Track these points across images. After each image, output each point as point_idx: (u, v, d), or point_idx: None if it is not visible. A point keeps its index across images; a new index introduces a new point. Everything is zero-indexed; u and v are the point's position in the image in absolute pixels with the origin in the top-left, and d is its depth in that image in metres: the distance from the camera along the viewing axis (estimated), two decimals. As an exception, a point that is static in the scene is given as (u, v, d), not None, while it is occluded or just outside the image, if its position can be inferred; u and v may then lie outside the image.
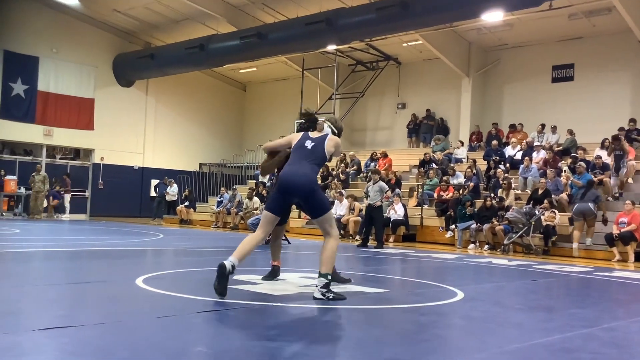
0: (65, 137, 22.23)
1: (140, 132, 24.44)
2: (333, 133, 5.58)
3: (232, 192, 19.85)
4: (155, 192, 23.14)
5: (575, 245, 12.52)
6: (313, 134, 5.48)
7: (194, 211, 21.34)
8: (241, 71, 25.85)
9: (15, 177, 20.54)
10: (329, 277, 5.10)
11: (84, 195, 23.08)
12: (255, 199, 18.29)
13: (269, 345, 3.47)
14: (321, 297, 5.00)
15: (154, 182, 23.83)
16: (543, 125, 17.89)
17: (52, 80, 21.72)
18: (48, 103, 21.64)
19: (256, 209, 17.52)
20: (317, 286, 5.10)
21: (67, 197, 21.39)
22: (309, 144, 5.36)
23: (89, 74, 22.71)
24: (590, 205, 12.54)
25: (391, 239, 14.68)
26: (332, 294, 5.04)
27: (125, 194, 23.55)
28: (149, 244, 11.51)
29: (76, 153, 23.94)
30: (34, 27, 21.16)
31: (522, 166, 15.75)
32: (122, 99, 23.63)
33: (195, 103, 26.10)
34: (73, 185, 21.80)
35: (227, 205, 19.37)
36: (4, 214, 20.18)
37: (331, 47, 19.75)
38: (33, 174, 19.61)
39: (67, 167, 22.85)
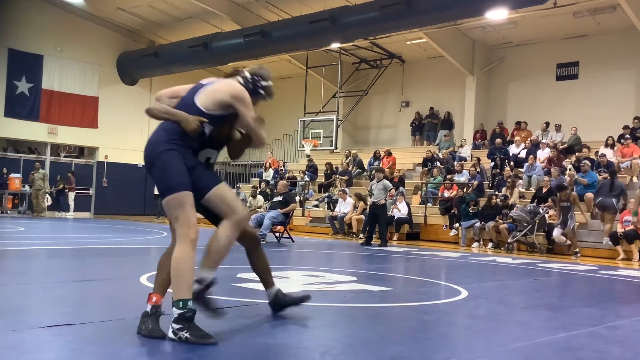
0: (70, 135, 22.27)
1: (144, 130, 24.39)
2: (248, 89, 3.74)
3: (235, 191, 19.85)
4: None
5: (605, 240, 12.29)
6: (208, 80, 3.75)
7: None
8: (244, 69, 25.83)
9: (19, 175, 20.61)
10: (186, 304, 3.28)
11: (88, 193, 23.12)
12: (259, 197, 18.27)
13: (272, 342, 3.47)
14: (173, 337, 3.28)
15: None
16: (547, 124, 17.85)
17: (56, 79, 21.76)
18: (52, 101, 21.68)
19: (260, 207, 17.50)
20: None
21: (72, 195, 21.43)
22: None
23: (93, 72, 22.75)
24: (614, 200, 12.53)
25: (395, 237, 14.67)
26: (190, 335, 3.25)
27: (129, 192, 23.57)
28: (153, 242, 11.54)
29: (80, 151, 23.97)
30: (39, 26, 21.20)
31: (526, 164, 15.72)
32: (126, 97, 23.65)
33: (199, 101, 26.08)
34: (77, 184, 21.84)
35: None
36: (9, 211, 20.24)
37: (335, 45, 19.73)
38: (32, 172, 19.71)
39: (71, 165, 22.89)
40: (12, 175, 20.32)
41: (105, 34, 23.09)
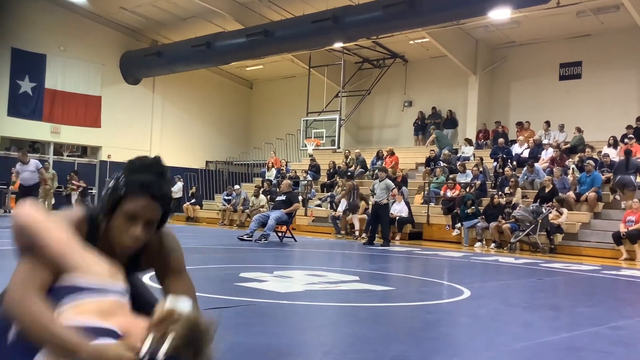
0: (73, 134, 22.30)
1: (147, 130, 24.50)
2: None
3: (236, 190, 19.83)
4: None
5: (624, 203, 12.80)
6: None
7: (200, 209, 21.38)
8: (248, 69, 25.86)
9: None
10: None
11: (91, 192, 23.15)
12: (262, 196, 18.31)
13: (275, 342, 3.47)
14: None
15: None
16: (548, 123, 17.81)
17: (59, 78, 21.79)
18: (55, 101, 21.71)
19: (262, 206, 17.54)
20: None
21: (75, 195, 21.45)
22: None
23: (96, 72, 22.77)
24: (632, 177, 12.70)
25: (397, 237, 14.66)
26: None
27: (132, 191, 23.54)
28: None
29: (83, 150, 24.01)
30: (42, 25, 21.22)
31: (524, 170, 15.58)
32: (129, 96, 23.67)
33: (202, 101, 26.13)
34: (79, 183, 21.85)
35: (234, 202, 19.41)
36: (12, 211, 20.28)
37: (338, 45, 19.72)
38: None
39: (74, 164, 22.93)
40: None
41: (108, 34, 23.12)
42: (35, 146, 23.02)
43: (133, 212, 1.97)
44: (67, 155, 23.30)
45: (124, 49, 23.49)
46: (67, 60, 21.94)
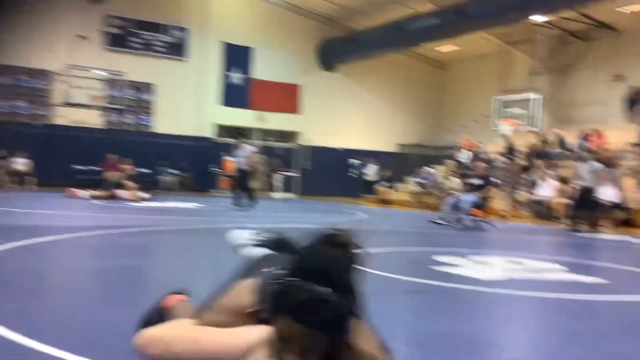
0: (275, 121, 23.93)
1: (341, 115, 25.36)
2: None
3: (428, 173, 19.73)
4: (355, 172, 23.86)
5: None
6: None
7: (394, 191, 21.63)
8: (439, 49, 25.43)
9: (234, 159, 22.60)
10: None
11: (293, 175, 24.66)
12: (454, 179, 17.99)
13: (481, 331, 3.41)
14: None
15: (352, 162, 24.59)
16: None
17: (263, 68, 23.56)
18: (261, 90, 23.53)
19: (455, 189, 17.22)
20: None
21: (279, 177, 23.02)
22: None
23: (295, 61, 24.16)
24: None
25: (606, 224, 13.45)
26: None
27: (330, 174, 24.55)
28: (353, 222, 11.94)
29: (284, 136, 25.60)
30: (247, 19, 23.06)
31: None
32: (324, 83, 24.70)
33: (393, 84, 26.33)
34: (283, 166, 23.44)
35: (426, 185, 19.34)
36: (226, 193, 22.28)
37: (536, 18, 18.51)
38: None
39: (277, 149, 24.55)
40: (227, 158, 22.32)
41: (306, 24, 24.29)
42: (241, 132, 25.07)
43: (282, 334, 1.51)
44: (270, 141, 25.05)
45: (320, 37, 24.53)
46: (269, 51, 23.55)
